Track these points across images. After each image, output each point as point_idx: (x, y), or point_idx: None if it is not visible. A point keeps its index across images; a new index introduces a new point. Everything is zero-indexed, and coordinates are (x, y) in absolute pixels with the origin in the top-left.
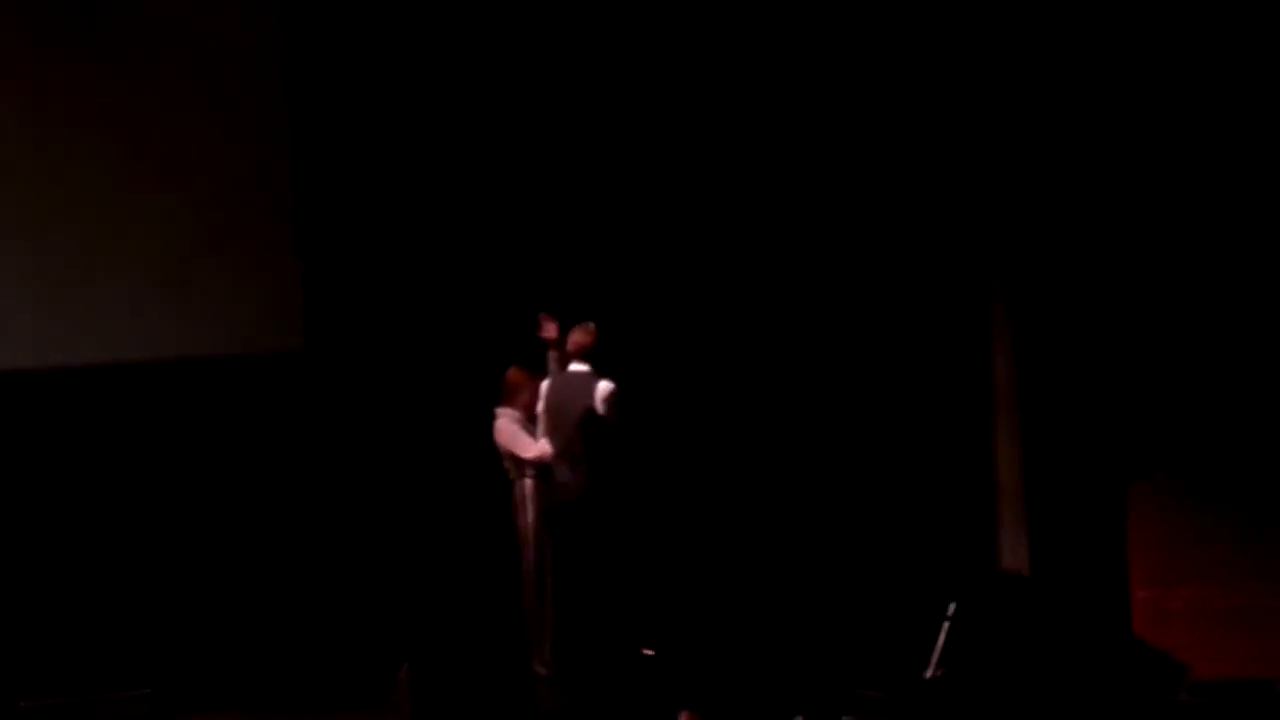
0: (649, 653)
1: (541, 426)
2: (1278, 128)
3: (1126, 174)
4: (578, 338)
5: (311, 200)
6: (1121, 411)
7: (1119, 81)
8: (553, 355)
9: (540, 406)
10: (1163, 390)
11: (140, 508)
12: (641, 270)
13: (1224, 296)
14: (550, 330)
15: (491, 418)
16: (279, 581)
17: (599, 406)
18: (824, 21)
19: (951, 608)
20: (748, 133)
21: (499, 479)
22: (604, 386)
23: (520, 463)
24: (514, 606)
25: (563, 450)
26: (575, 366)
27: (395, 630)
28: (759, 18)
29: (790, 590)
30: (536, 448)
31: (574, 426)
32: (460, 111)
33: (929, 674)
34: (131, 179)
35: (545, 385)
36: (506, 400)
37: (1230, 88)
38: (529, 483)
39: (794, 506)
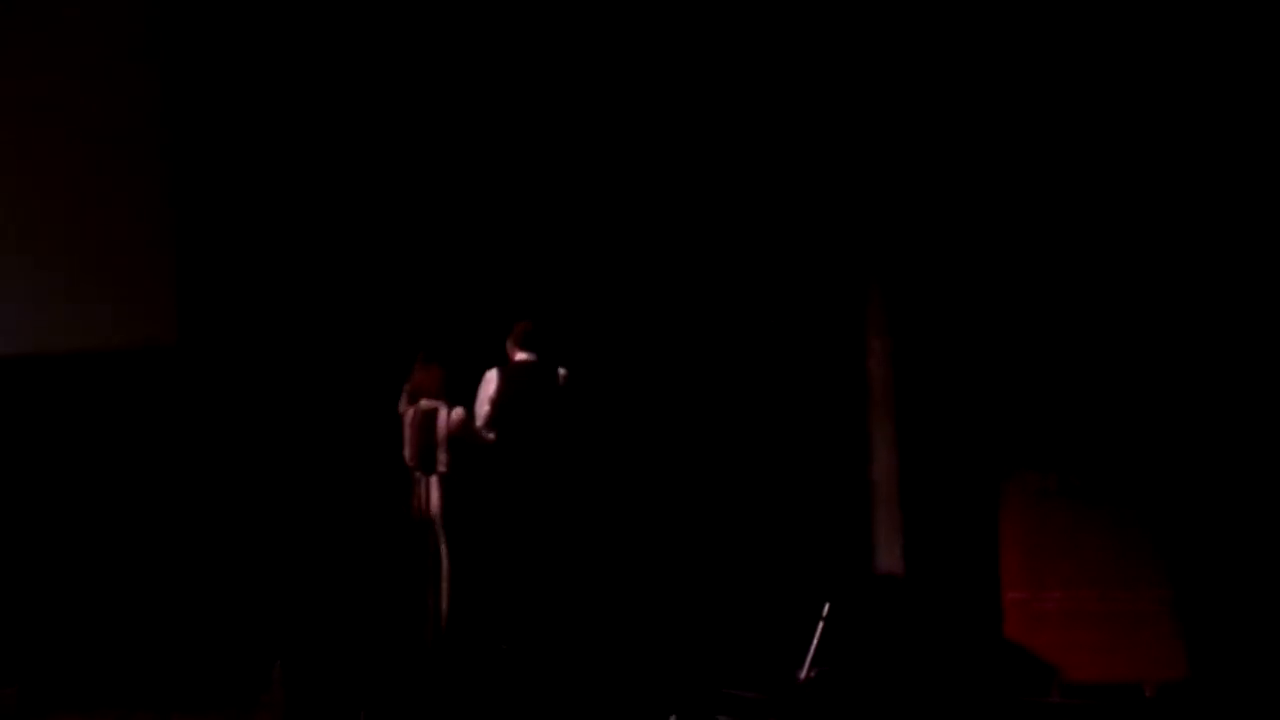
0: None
1: (484, 416)
2: (1152, 124)
3: (998, 177)
4: (522, 327)
5: (188, 192)
6: (994, 413)
7: (988, 85)
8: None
9: (490, 396)
10: (1035, 392)
11: (8, 504)
12: (505, 264)
13: (1095, 297)
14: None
15: (384, 414)
16: (150, 578)
17: (561, 391)
18: (707, 23)
19: (826, 608)
20: (626, 130)
21: (383, 475)
22: (564, 372)
23: (463, 455)
24: (387, 603)
25: (515, 437)
26: (521, 356)
27: (268, 628)
28: (642, 17)
29: (664, 589)
30: (487, 437)
31: (531, 413)
32: (337, 102)
33: (803, 674)
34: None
35: (494, 376)
36: (430, 395)
37: (1096, 84)
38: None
39: (668, 506)
